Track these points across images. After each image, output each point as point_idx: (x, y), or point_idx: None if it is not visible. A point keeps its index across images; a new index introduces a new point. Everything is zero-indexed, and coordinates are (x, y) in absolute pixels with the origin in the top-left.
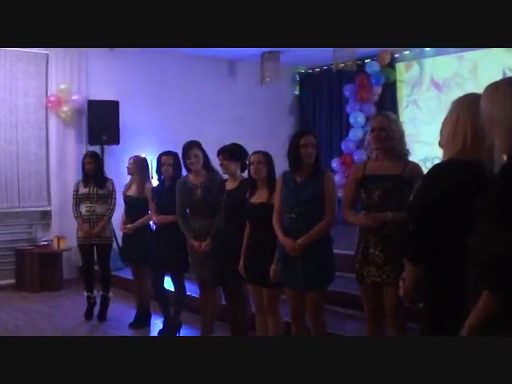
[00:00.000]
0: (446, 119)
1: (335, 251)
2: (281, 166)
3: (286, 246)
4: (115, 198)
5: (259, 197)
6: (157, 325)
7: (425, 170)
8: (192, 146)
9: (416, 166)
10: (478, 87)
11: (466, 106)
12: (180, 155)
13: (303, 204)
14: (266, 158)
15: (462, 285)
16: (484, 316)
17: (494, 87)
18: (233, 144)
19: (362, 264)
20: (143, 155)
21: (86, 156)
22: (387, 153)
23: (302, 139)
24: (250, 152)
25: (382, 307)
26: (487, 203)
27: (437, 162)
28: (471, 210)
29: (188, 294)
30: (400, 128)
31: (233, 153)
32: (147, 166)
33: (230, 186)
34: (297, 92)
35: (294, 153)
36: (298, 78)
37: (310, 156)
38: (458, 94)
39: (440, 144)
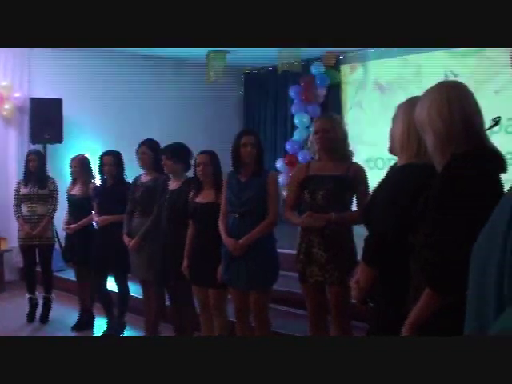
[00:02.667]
0: (395, 123)
1: (279, 251)
2: (228, 165)
3: (228, 246)
4: (57, 198)
5: (205, 197)
6: (100, 326)
7: (368, 171)
8: (142, 144)
9: (359, 168)
10: (422, 90)
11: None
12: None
13: (246, 204)
14: (212, 159)
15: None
16: (425, 314)
17: (428, 89)
18: (176, 143)
19: (305, 264)
20: (85, 154)
21: (29, 154)
22: (330, 154)
23: (242, 139)
24: (195, 151)
25: (325, 306)
26: (426, 204)
27: (380, 162)
28: (414, 212)
29: (132, 295)
30: (343, 129)
31: (175, 152)
32: (90, 165)
33: (172, 185)
34: (242, 92)
35: (235, 152)
36: (243, 78)
37: (250, 156)
38: (401, 96)
39: (391, 149)
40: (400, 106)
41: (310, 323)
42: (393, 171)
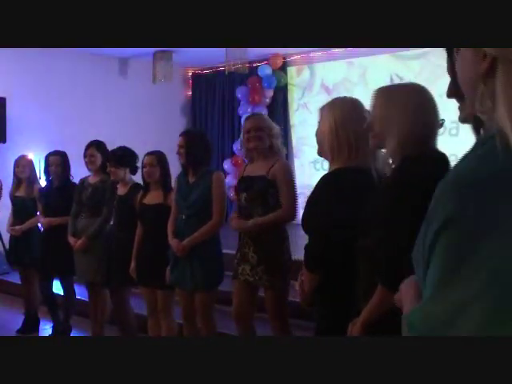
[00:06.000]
0: (321, 127)
1: (228, 251)
2: (176, 165)
3: (172, 247)
4: None
5: (153, 198)
6: (46, 330)
7: (314, 173)
8: (90, 145)
9: (281, 166)
10: (367, 92)
11: (346, 111)
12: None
13: (192, 205)
14: (159, 159)
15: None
16: (377, 313)
17: (387, 90)
18: (119, 148)
19: (240, 261)
20: (29, 155)
21: None
22: (260, 153)
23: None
24: (143, 152)
25: (250, 306)
26: (383, 205)
27: (326, 164)
28: (363, 214)
29: (78, 297)
30: (273, 128)
31: (119, 158)
32: (34, 165)
33: (120, 191)
34: (189, 92)
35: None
36: (190, 79)
37: (181, 157)
38: None
39: (320, 152)
40: (323, 109)
41: (234, 319)
42: (324, 176)
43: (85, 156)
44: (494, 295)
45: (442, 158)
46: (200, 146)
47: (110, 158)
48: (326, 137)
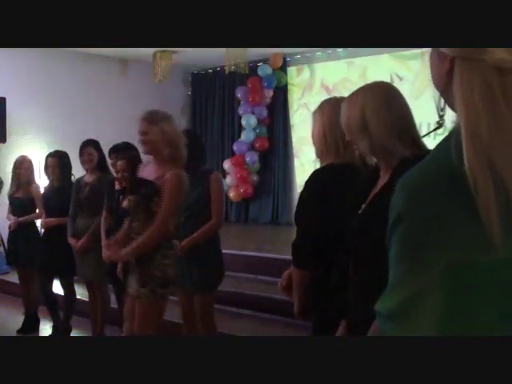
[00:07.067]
0: (312, 130)
1: (228, 251)
2: None
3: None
4: None
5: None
6: (46, 330)
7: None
8: (86, 144)
9: (172, 175)
10: None
11: (333, 114)
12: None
13: (190, 206)
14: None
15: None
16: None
17: (362, 91)
18: (124, 143)
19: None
20: (29, 155)
21: None
22: (154, 158)
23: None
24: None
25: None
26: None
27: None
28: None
29: (78, 297)
30: (165, 130)
31: (124, 151)
32: (33, 166)
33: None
34: (189, 92)
35: None
36: (190, 79)
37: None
38: None
39: (316, 154)
40: (315, 112)
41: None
42: (313, 173)
43: (81, 155)
44: (445, 289)
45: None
46: (194, 146)
47: (116, 151)
48: (316, 140)
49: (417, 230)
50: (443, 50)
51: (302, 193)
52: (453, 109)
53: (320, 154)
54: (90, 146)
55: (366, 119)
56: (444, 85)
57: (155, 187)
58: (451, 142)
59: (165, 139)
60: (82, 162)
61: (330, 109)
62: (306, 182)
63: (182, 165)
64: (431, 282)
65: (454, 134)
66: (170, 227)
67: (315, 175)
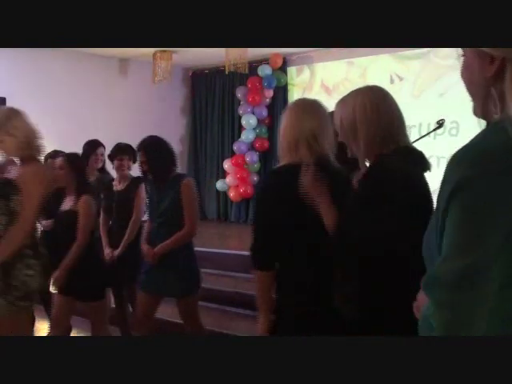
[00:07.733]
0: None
1: (229, 251)
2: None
3: (143, 253)
4: None
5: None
6: (43, 330)
7: None
8: (100, 145)
9: (26, 172)
10: None
11: (291, 115)
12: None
13: (163, 213)
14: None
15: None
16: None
17: (353, 95)
18: (121, 143)
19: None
20: None
21: None
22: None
23: None
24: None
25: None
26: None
27: None
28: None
29: None
30: (17, 127)
31: (128, 150)
32: None
33: (119, 186)
34: (189, 92)
35: None
36: (190, 79)
37: (147, 172)
38: None
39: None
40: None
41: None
42: (266, 174)
43: (92, 155)
44: (508, 257)
45: (420, 155)
46: (162, 154)
47: (117, 150)
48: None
49: (481, 196)
50: (488, 51)
51: (256, 195)
52: (496, 111)
53: (279, 156)
54: (101, 147)
55: (356, 122)
56: (487, 87)
57: (13, 185)
58: (505, 125)
59: (14, 139)
60: (93, 162)
61: (288, 112)
62: (260, 185)
63: (38, 158)
64: (495, 246)
65: (504, 120)
66: (31, 226)
67: (262, 179)
